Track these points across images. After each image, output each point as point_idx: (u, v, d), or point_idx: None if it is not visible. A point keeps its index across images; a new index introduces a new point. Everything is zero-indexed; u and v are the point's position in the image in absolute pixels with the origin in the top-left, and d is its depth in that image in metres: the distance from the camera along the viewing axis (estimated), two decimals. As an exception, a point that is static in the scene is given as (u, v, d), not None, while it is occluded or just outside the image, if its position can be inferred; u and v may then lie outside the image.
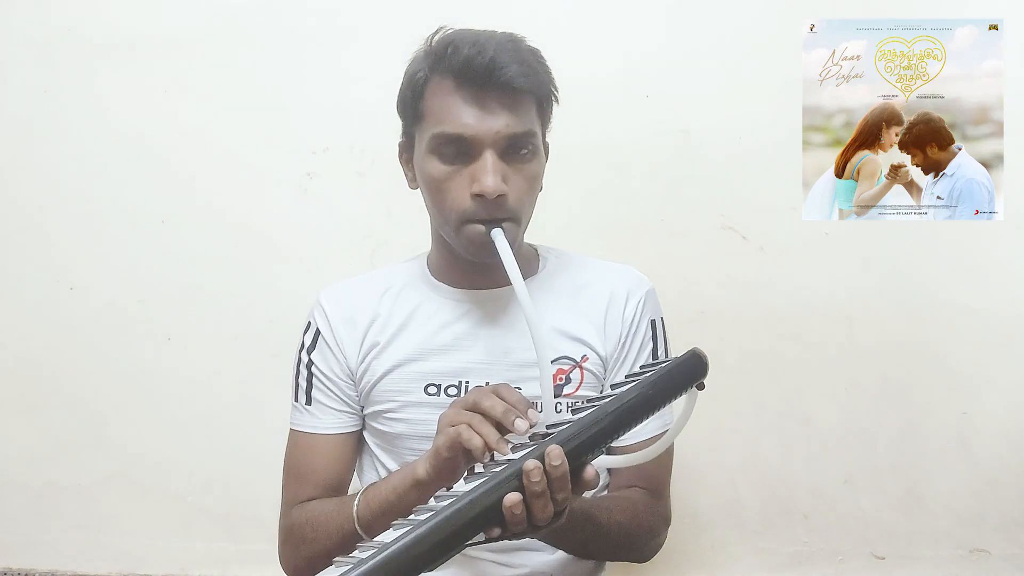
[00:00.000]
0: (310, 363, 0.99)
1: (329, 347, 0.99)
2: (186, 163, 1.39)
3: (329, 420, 0.99)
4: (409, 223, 1.36)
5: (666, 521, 1.02)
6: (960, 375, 1.36)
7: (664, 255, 1.36)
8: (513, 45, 0.90)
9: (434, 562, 0.63)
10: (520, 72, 0.87)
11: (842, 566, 1.38)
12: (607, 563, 1.05)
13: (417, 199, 1.35)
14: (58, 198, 1.40)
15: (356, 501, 0.88)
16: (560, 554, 0.97)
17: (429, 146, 0.90)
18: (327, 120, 1.38)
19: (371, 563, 0.61)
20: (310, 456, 0.98)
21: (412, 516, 0.67)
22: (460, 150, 0.88)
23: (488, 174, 0.86)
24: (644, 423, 0.74)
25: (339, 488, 0.99)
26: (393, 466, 0.97)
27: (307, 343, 1.01)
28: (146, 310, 1.39)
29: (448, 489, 0.70)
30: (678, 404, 0.77)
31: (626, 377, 0.78)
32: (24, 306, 1.40)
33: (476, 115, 0.87)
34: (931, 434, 1.37)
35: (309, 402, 0.99)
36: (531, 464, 0.67)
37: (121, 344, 1.39)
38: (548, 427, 0.74)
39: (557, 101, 0.95)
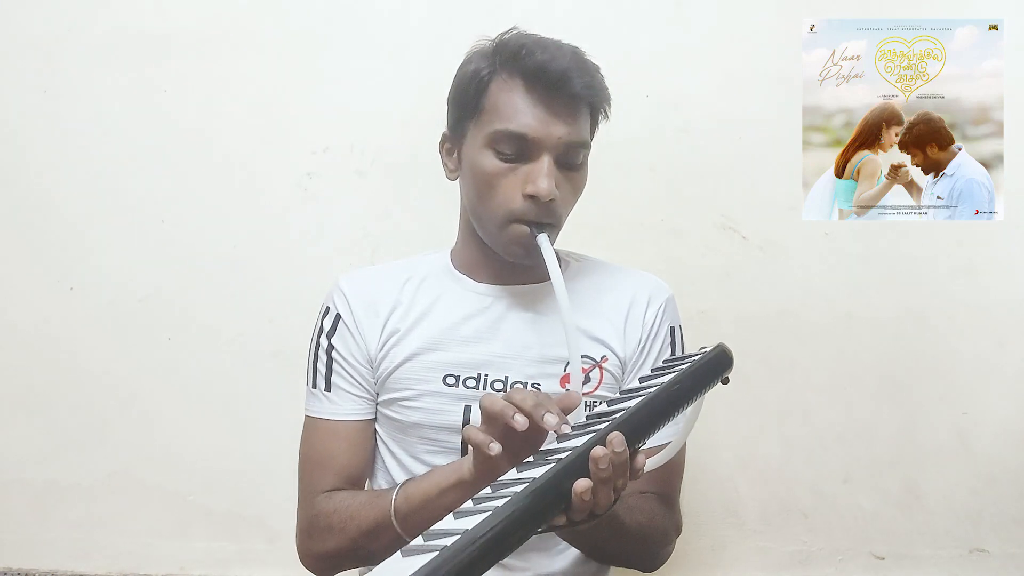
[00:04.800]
0: (330, 348, 0.99)
1: (350, 331, 0.98)
2: (186, 163, 1.39)
3: (349, 406, 0.98)
4: (409, 223, 1.38)
5: (677, 529, 1.03)
6: (960, 375, 1.36)
7: (664, 255, 1.36)
8: (581, 59, 0.93)
9: (510, 549, 0.62)
10: (587, 84, 0.91)
11: (842, 565, 1.38)
12: (611, 569, 1.04)
13: (416, 199, 1.37)
14: (58, 198, 1.39)
15: (394, 493, 0.88)
16: (564, 557, 0.97)
17: (487, 140, 0.91)
18: (327, 120, 1.38)
19: (455, 549, 0.59)
20: (330, 443, 0.97)
21: (469, 505, 0.66)
22: (519, 149, 0.90)
23: (544, 177, 0.89)
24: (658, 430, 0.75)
25: (360, 477, 0.99)
26: (404, 457, 0.98)
27: (326, 327, 1.00)
28: (146, 310, 1.39)
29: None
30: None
31: (653, 371, 0.79)
32: (24, 306, 1.40)
33: (541, 118, 0.89)
34: (931, 433, 1.37)
35: (328, 388, 0.98)
36: (599, 451, 0.67)
37: (121, 344, 1.39)
38: (589, 418, 0.75)
39: (607, 118, 0.98)
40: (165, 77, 1.39)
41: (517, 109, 0.90)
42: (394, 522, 0.87)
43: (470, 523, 0.62)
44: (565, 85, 0.89)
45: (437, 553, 0.58)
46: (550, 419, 0.73)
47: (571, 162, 0.92)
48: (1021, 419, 1.36)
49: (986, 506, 1.36)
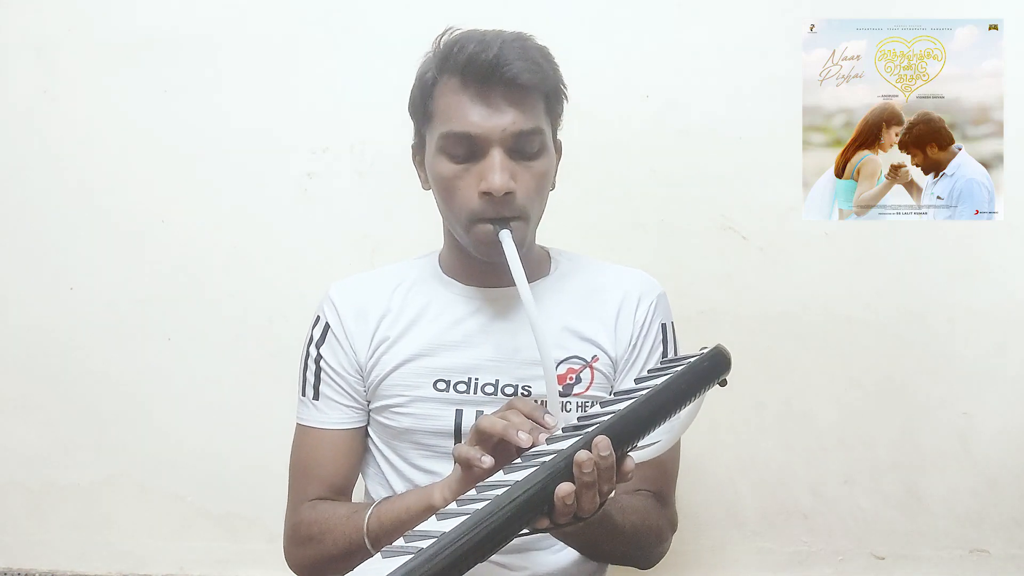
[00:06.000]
0: (319, 357, 0.99)
1: (339, 341, 0.99)
2: (186, 163, 1.39)
3: (336, 415, 0.98)
4: (409, 223, 1.37)
5: (672, 527, 1.02)
6: (960, 375, 1.36)
7: (664, 255, 1.36)
8: (520, 43, 0.90)
9: (489, 553, 0.62)
10: (525, 68, 0.87)
11: (842, 566, 1.38)
12: (609, 567, 1.04)
13: (416, 199, 1.36)
14: (58, 198, 1.39)
15: (368, 513, 0.88)
16: (563, 556, 0.97)
17: (438, 146, 0.90)
18: (327, 120, 1.38)
19: (432, 551, 0.59)
20: (317, 452, 0.98)
21: (453, 506, 0.66)
22: (468, 149, 0.88)
23: (495, 172, 0.87)
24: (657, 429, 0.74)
25: (345, 485, 0.99)
26: (398, 462, 0.98)
27: (316, 337, 1.00)
28: (146, 310, 1.39)
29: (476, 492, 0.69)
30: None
31: (649, 372, 0.79)
32: (24, 306, 1.40)
33: (482, 113, 0.87)
34: (931, 434, 1.37)
35: (316, 397, 0.99)
36: (583, 455, 0.67)
37: (121, 344, 1.39)
38: (580, 419, 0.74)
39: (567, 99, 0.95)
40: (165, 77, 1.39)
41: (458, 109, 0.88)
42: (366, 542, 0.87)
43: (451, 525, 0.62)
44: (498, 72, 0.86)
45: (414, 554, 0.59)
46: (550, 419, 0.75)
47: (526, 151, 0.89)
48: (1022, 420, 1.36)
49: (986, 507, 1.36)
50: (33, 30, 1.39)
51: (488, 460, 0.74)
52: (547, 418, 0.77)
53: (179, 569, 1.39)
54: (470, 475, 0.76)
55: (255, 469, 1.37)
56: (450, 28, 0.93)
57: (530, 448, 0.73)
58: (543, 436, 0.74)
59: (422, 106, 0.93)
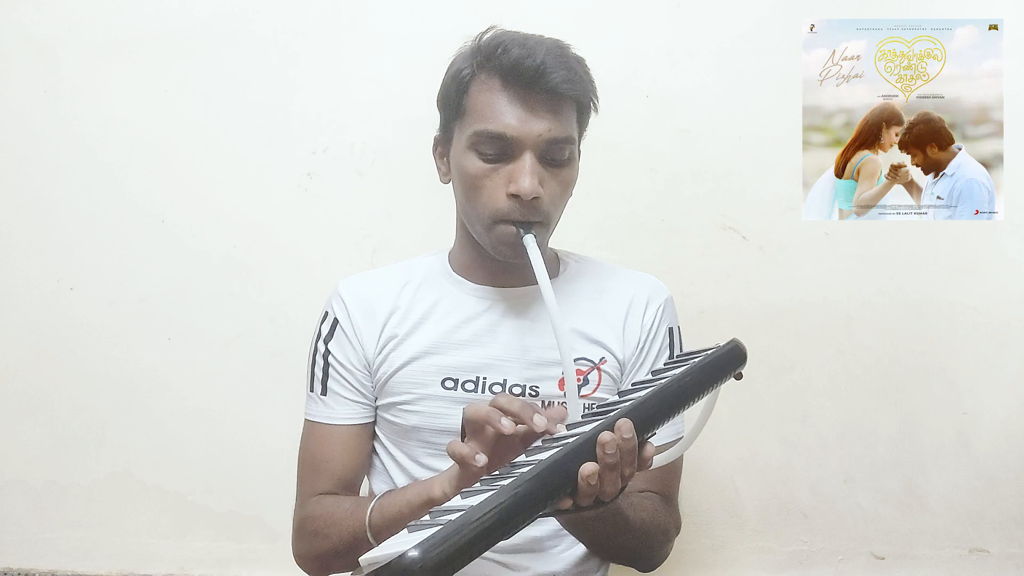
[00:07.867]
0: (327, 352, 0.99)
1: (347, 337, 0.99)
2: (186, 163, 1.39)
3: (344, 411, 0.99)
4: (409, 223, 1.38)
5: (677, 528, 1.03)
6: (960, 375, 1.36)
7: (664, 255, 1.36)
8: (561, 51, 0.91)
9: (513, 530, 0.62)
10: (566, 78, 0.89)
11: (842, 565, 1.38)
12: (610, 566, 1.04)
13: (416, 199, 1.37)
14: (58, 198, 1.39)
15: (370, 507, 0.88)
16: (565, 556, 0.97)
17: (469, 142, 0.91)
18: (327, 120, 1.38)
19: (458, 524, 0.59)
20: (325, 447, 0.98)
21: (476, 484, 0.67)
22: (500, 149, 0.89)
23: (526, 175, 0.88)
24: (658, 430, 0.74)
25: (354, 480, 1.00)
26: (404, 460, 0.98)
27: (324, 332, 1.01)
28: (146, 310, 1.39)
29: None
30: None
31: (666, 364, 0.80)
32: (24, 306, 1.40)
33: (520, 116, 0.88)
34: (930, 433, 1.37)
35: (324, 392, 0.99)
36: (607, 436, 0.67)
37: (121, 344, 1.39)
38: (601, 407, 0.75)
39: (596, 111, 0.97)
40: (165, 77, 1.39)
41: (495, 109, 0.89)
42: (369, 536, 0.87)
43: (476, 501, 0.62)
44: (542, 80, 0.88)
45: (441, 526, 0.59)
46: (539, 420, 0.73)
47: (556, 158, 0.91)
48: (1021, 419, 1.36)
49: (986, 506, 1.37)
50: (34, 29, 1.39)
51: (482, 459, 0.74)
52: (536, 419, 0.74)
53: (179, 569, 1.39)
54: (467, 472, 0.76)
55: (256, 469, 1.37)
56: (492, 26, 0.94)
57: (517, 436, 0.73)
58: (538, 419, 0.73)
59: (455, 101, 0.93)
